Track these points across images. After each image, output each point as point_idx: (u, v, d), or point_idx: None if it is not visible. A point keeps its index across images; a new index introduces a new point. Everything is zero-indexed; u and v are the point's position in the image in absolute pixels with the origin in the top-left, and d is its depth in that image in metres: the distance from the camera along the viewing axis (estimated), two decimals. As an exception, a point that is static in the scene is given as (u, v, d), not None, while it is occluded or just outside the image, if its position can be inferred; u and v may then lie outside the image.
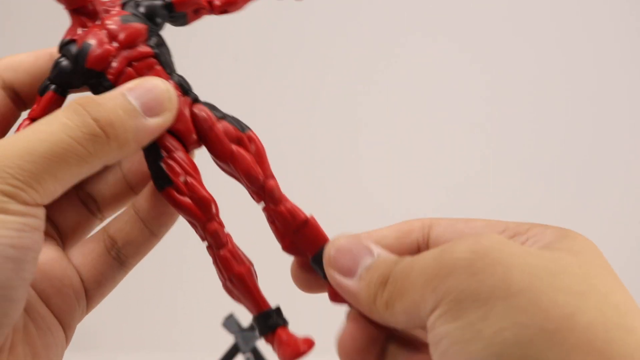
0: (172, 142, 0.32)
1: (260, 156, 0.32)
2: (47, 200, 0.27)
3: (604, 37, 0.99)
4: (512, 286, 0.23)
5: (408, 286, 0.26)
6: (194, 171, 0.32)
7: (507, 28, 0.99)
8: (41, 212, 0.27)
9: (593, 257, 0.26)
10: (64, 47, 0.31)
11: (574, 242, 0.26)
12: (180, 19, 0.33)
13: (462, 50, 0.99)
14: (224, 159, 0.32)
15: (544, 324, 0.23)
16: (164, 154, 0.31)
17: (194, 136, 0.32)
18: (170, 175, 0.31)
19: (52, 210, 0.32)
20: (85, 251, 0.33)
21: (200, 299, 1.01)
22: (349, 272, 0.28)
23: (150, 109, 0.29)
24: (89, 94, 0.31)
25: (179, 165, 0.31)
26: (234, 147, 0.32)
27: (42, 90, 0.31)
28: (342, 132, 0.99)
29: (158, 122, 0.29)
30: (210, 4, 0.33)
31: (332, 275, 0.29)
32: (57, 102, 0.31)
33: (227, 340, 0.77)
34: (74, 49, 0.31)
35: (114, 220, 0.34)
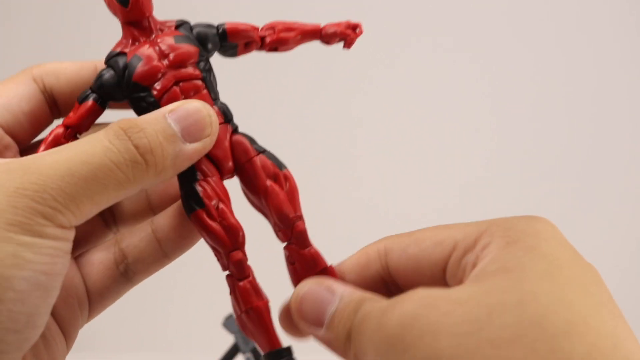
0: (208, 167, 0.31)
1: (293, 196, 0.32)
2: (81, 222, 0.26)
3: (607, 38, 0.99)
4: (443, 356, 0.23)
5: (365, 349, 0.26)
6: (226, 198, 0.32)
7: (508, 28, 0.99)
8: (72, 235, 0.26)
9: (538, 263, 0.25)
10: (111, 58, 0.31)
11: (518, 250, 0.25)
12: (231, 50, 0.33)
13: (463, 50, 0.99)
14: (257, 193, 0.32)
15: None
16: (199, 176, 0.31)
17: (231, 165, 0.32)
18: (204, 198, 0.31)
19: None
20: (94, 261, 0.33)
21: (200, 299, 1.01)
22: (316, 323, 0.28)
23: (190, 134, 0.29)
24: (130, 114, 0.31)
25: (213, 190, 0.31)
26: (269, 182, 0.32)
27: (82, 99, 0.31)
28: (342, 132, 0.99)
29: (197, 148, 0.29)
30: (262, 39, 0.33)
31: (303, 327, 0.28)
32: (95, 113, 0.31)
33: (227, 340, 0.77)
34: (122, 61, 0.31)
35: (127, 234, 0.33)
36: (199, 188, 0.31)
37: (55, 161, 0.26)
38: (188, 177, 0.31)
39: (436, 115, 0.99)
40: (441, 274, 0.28)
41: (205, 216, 0.31)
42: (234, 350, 0.79)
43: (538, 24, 0.99)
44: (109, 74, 0.31)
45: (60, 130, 0.30)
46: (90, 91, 0.31)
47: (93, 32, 0.96)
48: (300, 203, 0.32)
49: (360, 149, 0.98)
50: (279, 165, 0.32)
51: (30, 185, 0.25)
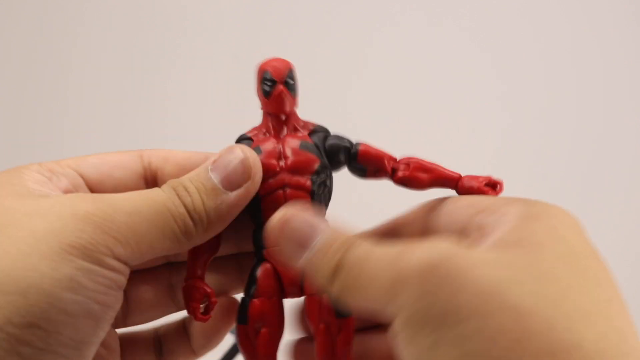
0: (271, 285, 0.31)
1: (343, 348, 0.31)
2: (136, 262, 0.27)
3: (617, 31, 0.98)
4: (461, 311, 0.23)
5: (362, 284, 0.25)
6: (276, 323, 0.31)
7: (516, 21, 0.99)
8: (127, 273, 0.27)
9: (556, 245, 0.25)
10: (241, 140, 0.32)
11: (538, 226, 0.25)
12: (359, 171, 0.33)
13: (470, 41, 0.99)
14: (310, 323, 0.31)
15: (491, 353, 0.22)
16: (255, 293, 0.31)
17: (296, 290, 0.32)
18: (249, 316, 0.31)
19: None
20: (136, 336, 0.34)
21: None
22: (301, 245, 0.27)
23: (231, 182, 0.29)
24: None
25: (262, 312, 0.31)
26: (320, 326, 0.31)
27: None
28: (341, 127, 0.99)
29: (240, 194, 0.30)
30: (394, 171, 0.33)
31: (284, 245, 0.28)
32: None
33: (227, 340, 0.77)
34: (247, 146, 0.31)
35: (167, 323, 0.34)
36: (250, 305, 0.31)
37: (125, 199, 0.27)
38: (247, 289, 0.31)
39: (441, 110, 0.98)
40: (466, 232, 0.28)
41: (243, 332, 0.31)
42: (234, 350, 0.79)
43: (548, 18, 0.99)
44: None
45: None
46: None
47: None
48: (349, 356, 0.31)
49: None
50: (340, 313, 0.30)
51: (100, 213, 0.26)
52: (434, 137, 0.98)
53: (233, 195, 0.29)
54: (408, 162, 0.33)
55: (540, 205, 0.27)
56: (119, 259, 0.26)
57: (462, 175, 0.33)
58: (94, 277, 0.25)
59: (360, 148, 0.32)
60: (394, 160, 0.33)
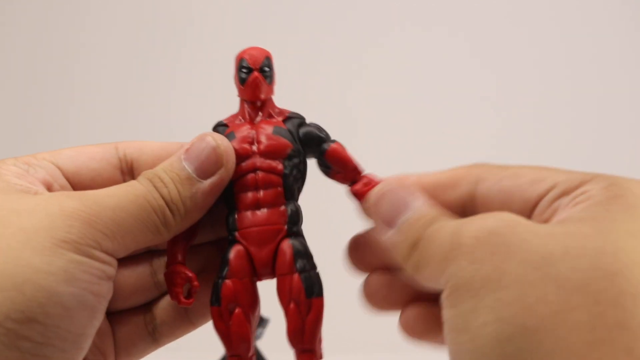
0: (243, 266, 0.32)
1: (311, 327, 0.31)
2: (122, 255, 0.28)
3: (612, 33, 0.98)
4: (504, 277, 0.23)
5: (429, 258, 0.26)
6: (249, 304, 0.32)
7: (512, 24, 0.99)
8: (116, 264, 0.28)
9: (630, 221, 0.24)
10: (217, 126, 0.33)
11: (617, 205, 0.24)
12: (324, 168, 0.33)
13: (465, 45, 0.99)
14: (281, 303, 0.32)
15: (526, 321, 0.22)
16: (227, 274, 0.32)
17: (270, 268, 0.32)
18: (222, 297, 0.31)
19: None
20: (125, 318, 0.34)
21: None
22: (389, 222, 0.28)
23: (205, 171, 0.30)
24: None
25: (236, 294, 0.31)
26: (291, 305, 0.31)
27: None
28: (340, 127, 0.99)
29: (214, 182, 0.30)
30: (353, 183, 0.33)
31: (375, 221, 0.29)
32: None
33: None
34: (222, 131, 0.32)
35: (160, 298, 0.34)
36: (222, 286, 0.31)
37: (108, 195, 0.28)
38: (219, 271, 0.32)
39: (437, 111, 0.99)
40: (528, 213, 0.27)
41: (217, 314, 0.31)
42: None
43: (542, 19, 0.99)
44: None
45: None
46: None
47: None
48: (317, 337, 0.31)
49: (359, 146, 0.98)
50: (309, 292, 0.31)
51: (87, 209, 0.27)
52: (429, 135, 0.98)
53: (207, 183, 0.30)
54: (369, 182, 0.32)
55: (623, 182, 0.25)
56: (107, 252, 0.27)
57: None
58: (86, 269, 0.26)
59: (332, 147, 0.32)
60: (359, 172, 0.33)
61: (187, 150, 0.30)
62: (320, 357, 0.32)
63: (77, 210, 0.26)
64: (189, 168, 0.30)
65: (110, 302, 0.32)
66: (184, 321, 0.34)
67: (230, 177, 0.31)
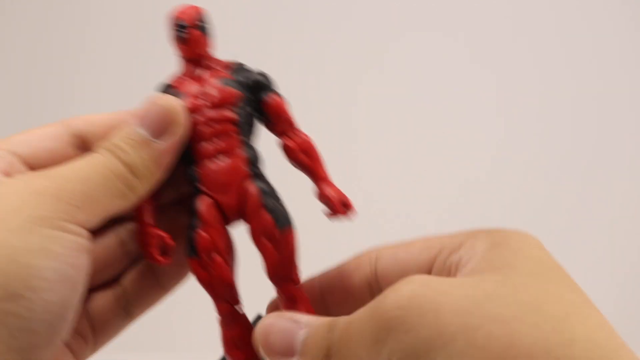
0: (212, 214, 0.32)
1: (288, 259, 0.31)
2: (94, 225, 0.29)
3: (613, 41, 0.98)
4: (446, 332, 0.23)
5: (352, 355, 0.26)
6: (225, 249, 0.32)
7: (510, 26, 0.99)
8: (89, 236, 0.28)
9: (525, 263, 0.25)
10: (163, 89, 0.33)
11: (504, 250, 0.26)
12: (262, 117, 0.33)
13: (465, 49, 0.99)
14: (256, 245, 0.32)
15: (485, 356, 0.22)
16: (198, 224, 0.32)
17: (238, 211, 0.32)
18: (198, 248, 0.31)
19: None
20: (96, 297, 0.34)
21: (199, 299, 1.01)
22: (287, 353, 0.28)
23: (160, 132, 0.30)
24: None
25: (211, 241, 0.32)
26: (264, 241, 0.31)
27: None
28: (340, 132, 0.99)
29: (171, 140, 0.30)
30: (285, 137, 0.33)
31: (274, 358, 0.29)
32: None
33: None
34: (169, 93, 0.32)
35: (128, 270, 0.35)
36: (195, 237, 0.31)
37: (73, 169, 0.28)
38: (190, 222, 0.32)
39: (436, 118, 0.98)
40: None
41: (197, 265, 0.32)
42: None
43: (542, 27, 0.99)
44: None
45: None
46: None
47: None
48: (294, 267, 0.32)
49: (359, 152, 0.98)
50: (280, 225, 0.31)
51: (55, 185, 0.27)
52: (432, 138, 0.98)
53: (165, 142, 0.30)
54: (301, 139, 0.33)
55: (502, 232, 0.28)
56: (79, 224, 0.27)
57: (331, 182, 0.33)
58: (62, 243, 0.26)
59: (272, 98, 0.33)
60: (292, 129, 0.33)
61: (138, 115, 0.30)
62: (299, 282, 0.32)
63: (45, 186, 0.27)
64: (142, 131, 0.30)
65: None
66: (155, 287, 0.34)
67: (185, 131, 0.31)
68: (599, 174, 0.98)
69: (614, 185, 0.98)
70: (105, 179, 0.29)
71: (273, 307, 0.33)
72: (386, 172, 0.98)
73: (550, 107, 0.99)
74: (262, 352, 0.29)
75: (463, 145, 0.98)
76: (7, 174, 0.30)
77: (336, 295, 0.33)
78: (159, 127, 0.30)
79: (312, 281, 0.33)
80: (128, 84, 0.96)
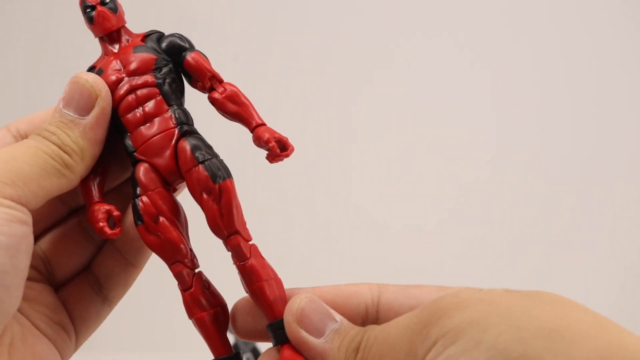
0: (151, 179, 0.32)
1: (227, 210, 0.31)
2: (33, 202, 0.30)
3: (611, 44, 0.98)
4: (493, 311, 0.24)
5: (388, 350, 0.27)
6: (169, 211, 0.32)
7: (509, 30, 0.99)
8: (27, 212, 0.29)
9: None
10: (87, 71, 0.33)
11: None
12: (186, 77, 0.34)
13: (464, 53, 0.99)
14: (197, 202, 0.32)
15: (539, 325, 0.24)
16: (140, 192, 0.32)
17: (176, 172, 0.32)
18: (142, 213, 0.32)
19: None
20: (70, 287, 0.35)
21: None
22: (316, 332, 0.29)
23: (83, 108, 0.31)
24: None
25: (153, 205, 0.32)
26: (204, 196, 0.32)
27: None
28: (340, 134, 0.99)
29: (96, 114, 0.32)
30: (212, 90, 0.33)
31: (298, 332, 0.30)
32: None
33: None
34: (92, 72, 0.33)
35: (95, 257, 0.35)
36: (139, 204, 0.32)
37: (3, 151, 0.30)
38: (133, 192, 0.32)
39: (436, 119, 0.98)
40: None
41: (144, 231, 0.32)
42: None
43: (542, 28, 0.99)
44: None
45: None
46: None
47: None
48: (237, 216, 0.32)
49: (359, 153, 0.98)
50: (215, 177, 0.31)
51: None
52: (431, 145, 0.98)
53: (91, 116, 0.31)
54: (225, 88, 0.33)
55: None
56: (11, 199, 0.28)
57: (265, 124, 0.33)
58: None
59: (191, 55, 0.33)
60: (217, 80, 0.33)
61: (62, 98, 0.32)
62: (250, 239, 0.32)
63: None
64: (69, 112, 0.31)
65: (55, 274, 0.34)
66: (125, 266, 0.35)
67: (110, 104, 0.32)
68: (599, 175, 0.98)
69: (613, 186, 0.98)
70: (36, 157, 0.30)
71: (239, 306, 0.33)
72: (386, 172, 0.98)
73: (550, 108, 0.99)
74: (292, 318, 0.30)
75: (463, 146, 0.98)
76: None
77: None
78: (83, 103, 0.31)
79: (307, 290, 0.33)
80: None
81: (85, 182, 0.33)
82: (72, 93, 0.31)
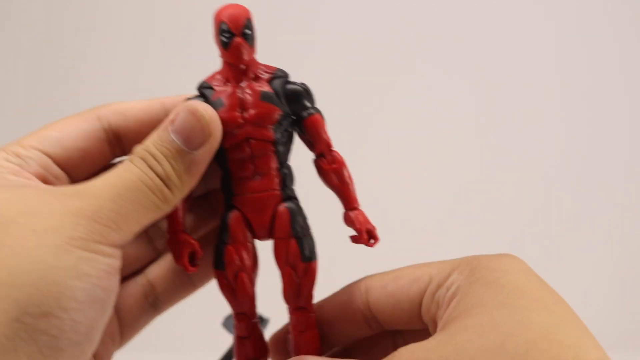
0: (243, 232, 0.32)
1: (307, 289, 0.32)
2: (127, 242, 0.29)
3: (603, 51, 0.98)
4: None
5: None
6: (251, 267, 0.33)
7: (505, 37, 0.99)
8: (121, 255, 0.28)
9: (496, 296, 0.27)
10: (203, 88, 0.32)
11: (480, 287, 0.28)
12: (299, 131, 0.33)
13: (462, 56, 0.99)
14: (278, 266, 0.33)
15: None
16: (228, 240, 0.32)
17: (267, 231, 0.32)
18: (225, 263, 0.32)
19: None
20: (124, 294, 0.34)
21: (200, 299, 1.01)
22: None
23: (193, 142, 0.30)
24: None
25: (237, 258, 0.32)
26: (288, 267, 0.32)
27: None
28: (340, 134, 0.99)
29: (204, 152, 0.30)
30: (320, 156, 0.33)
31: None
32: None
33: (227, 340, 0.77)
34: (209, 95, 0.32)
35: (155, 266, 0.35)
36: (224, 252, 0.32)
37: (106, 186, 0.28)
38: (220, 235, 0.32)
39: (434, 122, 0.99)
40: (417, 309, 0.31)
41: (221, 277, 0.32)
42: (232, 352, 0.79)
43: (539, 37, 0.99)
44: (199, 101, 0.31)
45: None
46: None
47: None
48: (311, 296, 0.33)
49: (360, 154, 0.98)
50: (305, 257, 0.32)
51: (89, 206, 0.27)
52: (432, 145, 0.98)
53: (198, 153, 0.30)
54: (334, 160, 0.33)
55: (483, 261, 0.29)
56: (113, 245, 0.28)
57: (359, 209, 0.34)
58: (94, 265, 0.27)
59: (311, 117, 0.33)
60: (328, 148, 0.33)
61: (173, 121, 0.30)
62: (313, 312, 0.33)
63: (80, 208, 0.27)
64: (178, 140, 0.30)
65: None
66: (186, 284, 0.35)
67: (218, 143, 0.31)
68: (598, 177, 0.98)
69: (610, 188, 0.98)
70: (139, 193, 0.29)
71: (276, 340, 0.34)
72: (384, 174, 0.98)
73: (547, 111, 0.99)
74: None
75: (460, 149, 0.98)
76: (43, 178, 0.30)
77: (335, 326, 0.34)
78: (194, 137, 0.30)
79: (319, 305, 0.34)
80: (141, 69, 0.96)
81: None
82: (186, 123, 0.30)
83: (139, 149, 0.30)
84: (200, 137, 0.30)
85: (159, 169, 0.29)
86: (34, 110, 0.95)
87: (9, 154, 0.30)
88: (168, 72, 0.95)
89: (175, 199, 0.30)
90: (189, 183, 0.30)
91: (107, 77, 0.97)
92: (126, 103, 0.33)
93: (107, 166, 0.33)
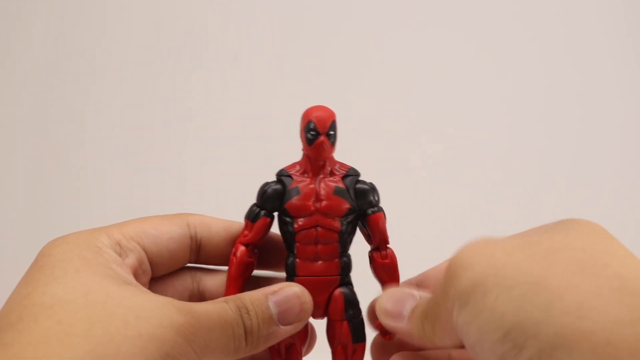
0: None
1: None
2: None
3: (614, 43, 0.98)
4: (496, 265, 0.27)
5: (438, 308, 0.30)
6: (301, 341, 0.36)
7: (517, 37, 0.99)
8: None
9: (575, 226, 0.29)
10: (282, 176, 0.35)
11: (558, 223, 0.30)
12: (362, 227, 0.35)
13: (472, 57, 0.99)
14: (329, 342, 0.36)
15: (526, 280, 0.26)
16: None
17: (322, 311, 0.36)
18: (272, 357, 0.36)
19: None
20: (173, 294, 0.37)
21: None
22: (397, 317, 0.33)
23: (285, 318, 0.33)
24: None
25: (293, 336, 0.35)
26: (339, 346, 0.35)
27: (254, 217, 0.35)
28: (340, 135, 0.98)
29: (288, 330, 0.33)
30: (377, 249, 0.36)
31: (386, 322, 0.34)
32: (268, 226, 0.36)
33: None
34: (287, 182, 0.35)
35: (205, 275, 0.38)
36: (270, 348, 0.35)
37: (207, 314, 0.31)
38: None
39: (441, 130, 0.98)
40: None
41: (275, 350, 0.36)
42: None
43: (550, 35, 0.98)
44: (275, 187, 0.35)
45: (244, 248, 0.35)
46: (258, 208, 0.35)
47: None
48: None
49: (357, 157, 0.98)
50: (355, 338, 0.35)
51: (189, 327, 0.29)
52: (438, 153, 0.98)
53: (283, 329, 0.33)
54: (387, 256, 0.36)
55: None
56: None
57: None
58: None
59: (375, 214, 0.36)
60: (385, 244, 0.36)
61: (275, 292, 0.33)
62: None
63: (183, 326, 0.29)
64: (273, 310, 0.33)
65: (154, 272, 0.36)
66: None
67: (300, 329, 0.34)
68: (611, 186, 0.97)
69: (625, 195, 0.97)
70: (226, 335, 0.31)
71: None
72: (387, 176, 0.98)
73: (560, 116, 0.99)
74: (378, 315, 0.33)
75: (471, 154, 0.98)
76: (135, 273, 0.32)
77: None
78: (288, 315, 0.33)
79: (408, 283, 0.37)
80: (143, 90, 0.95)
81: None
82: (287, 303, 0.33)
83: (234, 298, 0.33)
84: (293, 318, 0.33)
85: (248, 323, 0.32)
86: (39, 112, 0.94)
87: (111, 240, 0.32)
88: (175, 80, 0.94)
89: (244, 353, 0.32)
90: (261, 347, 0.33)
91: (110, 81, 0.96)
92: (212, 218, 0.37)
93: (179, 269, 0.36)
